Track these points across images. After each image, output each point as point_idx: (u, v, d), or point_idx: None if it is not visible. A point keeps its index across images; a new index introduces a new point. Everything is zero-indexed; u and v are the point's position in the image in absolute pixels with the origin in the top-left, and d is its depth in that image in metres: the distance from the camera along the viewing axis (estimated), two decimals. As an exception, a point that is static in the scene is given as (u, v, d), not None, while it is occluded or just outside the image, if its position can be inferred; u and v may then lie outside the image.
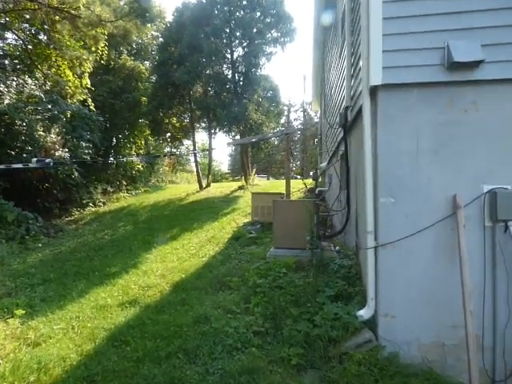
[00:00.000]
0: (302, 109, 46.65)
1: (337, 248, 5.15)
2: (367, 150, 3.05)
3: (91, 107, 12.11)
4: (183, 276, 5.06)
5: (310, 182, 16.71)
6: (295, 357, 2.85)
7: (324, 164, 9.56)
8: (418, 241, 2.85)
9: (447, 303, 2.81)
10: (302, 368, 2.79)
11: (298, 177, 39.87)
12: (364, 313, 3.03)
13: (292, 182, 18.66)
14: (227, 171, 52.93)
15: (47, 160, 6.48)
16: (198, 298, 4.13)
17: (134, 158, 15.80)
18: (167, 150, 25.61)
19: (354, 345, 2.87)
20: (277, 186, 14.71)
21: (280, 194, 8.08)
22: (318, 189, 9.31)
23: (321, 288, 3.68)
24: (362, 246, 3.80)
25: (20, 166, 6.90)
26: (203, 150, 19.01)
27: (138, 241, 7.86)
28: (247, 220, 8.82)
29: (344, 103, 4.94)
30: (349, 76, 4.33)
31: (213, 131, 15.37)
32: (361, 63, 3.59)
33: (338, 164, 6.25)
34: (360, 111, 3.80)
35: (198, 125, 17.51)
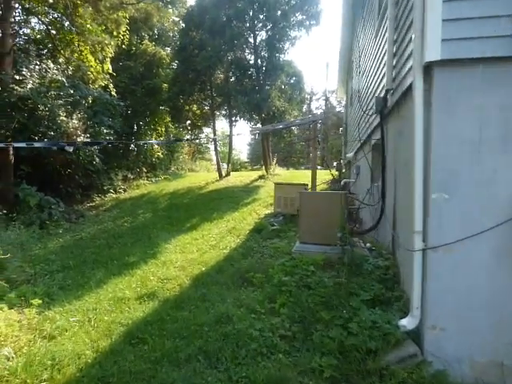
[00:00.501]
0: (324, 97, 45.54)
1: (367, 245, 4.76)
2: (417, 137, 2.63)
3: (112, 93, 12.00)
4: (203, 269, 4.84)
5: (333, 172, 16.18)
6: (328, 368, 2.54)
7: (351, 154, 9.07)
8: (477, 244, 2.45)
9: (509, 317, 2.42)
10: (336, 382, 2.48)
11: (319, 167, 39.23)
12: (407, 322, 2.68)
13: (307, 172, 18.18)
14: (246, 160, 52.69)
15: (68, 146, 6.35)
16: (219, 294, 3.88)
17: (155, 142, 15.68)
18: (187, 137, 25.54)
19: (396, 359, 2.53)
20: (298, 176, 14.28)
21: (304, 184, 7.69)
22: (343, 180, 8.86)
23: (354, 290, 3.34)
24: (402, 245, 3.42)
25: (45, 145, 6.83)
26: (228, 136, 18.71)
27: (157, 229, 7.72)
28: (269, 211, 8.51)
29: (382, 86, 4.47)
30: (391, 54, 3.86)
31: (233, 119, 15.00)
32: (409, 37, 3.15)
33: (369, 154, 5.80)
34: (404, 94, 3.37)
35: (218, 112, 17.18)
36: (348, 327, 2.83)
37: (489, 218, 2.44)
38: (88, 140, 11.31)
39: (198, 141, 21.36)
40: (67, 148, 6.31)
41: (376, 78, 4.95)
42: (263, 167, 14.96)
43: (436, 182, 2.55)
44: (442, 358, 2.51)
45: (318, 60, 74.70)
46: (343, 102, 13.56)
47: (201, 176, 18.40)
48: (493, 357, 2.45)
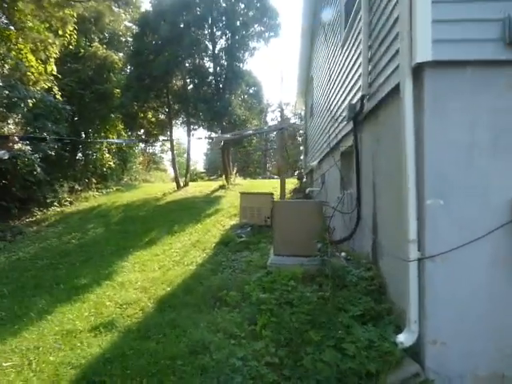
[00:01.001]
0: (279, 109, 46.66)
1: (342, 254, 4.62)
2: (408, 141, 2.50)
3: (57, 96, 10.90)
4: (169, 289, 4.32)
5: (294, 181, 16.30)
6: (327, 400, 2.25)
7: (314, 163, 9.09)
8: (474, 251, 2.35)
9: (508, 327, 2.34)
10: (338, 415, 2.19)
11: (275, 177, 39.74)
12: (404, 338, 2.48)
13: (272, 182, 18.16)
14: (202, 170, 51.82)
15: (1, 152, 5.48)
16: (191, 318, 3.43)
17: (114, 141, 14.47)
18: (141, 146, 24.31)
19: (398, 381, 2.31)
20: (259, 185, 14.15)
21: (270, 194, 7.49)
22: (308, 189, 8.82)
23: (342, 305, 3.10)
24: (387, 254, 3.29)
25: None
26: (184, 146, 17.99)
27: (111, 245, 6.95)
28: (234, 222, 8.14)
29: (354, 93, 4.43)
30: (366, 60, 3.80)
31: (192, 127, 14.50)
32: (389, 41, 3.08)
33: (338, 162, 5.75)
34: (384, 100, 3.29)
35: (175, 121, 16.54)
36: (342, 348, 2.56)
37: (483, 224, 2.35)
38: (28, 147, 10.07)
39: (155, 146, 20.31)
40: (0, 155, 5.44)
41: (346, 85, 4.92)
42: (223, 177, 14.59)
43: (430, 188, 2.42)
44: (443, 375, 2.35)
45: (273, 73, 76.81)
46: (301, 113, 13.73)
47: (157, 187, 17.46)
48: (495, 369, 2.34)
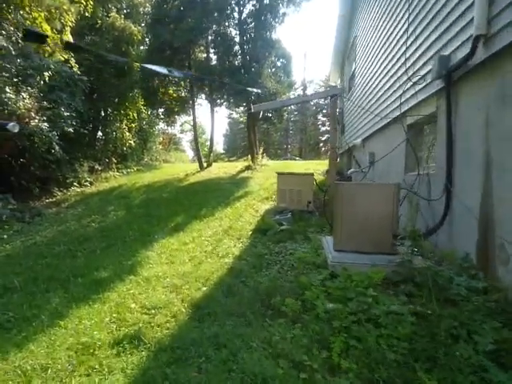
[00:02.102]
0: (302, 87, 44.70)
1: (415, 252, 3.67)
2: None
3: (74, 69, 10.13)
4: (204, 289, 3.53)
5: (323, 163, 15.19)
6: None
7: (357, 141, 7.99)
8: None
9: None
10: None
11: (297, 158, 38.50)
12: None
13: (300, 163, 17.09)
14: (222, 152, 51.05)
15: (11, 124, 4.77)
16: (239, 334, 2.62)
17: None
18: (161, 126, 23.63)
19: None
20: (289, 166, 13.17)
21: (311, 174, 6.52)
22: (350, 170, 7.78)
23: (456, 331, 2.21)
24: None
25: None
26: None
27: (133, 231, 6.26)
28: (268, 206, 7.28)
29: (451, 40, 3.34)
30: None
31: (219, 101, 13.48)
32: None
33: (403, 137, 4.70)
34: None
35: (197, 97, 15.56)
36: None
37: None
38: (45, 124, 9.45)
39: (175, 126, 19.49)
40: (10, 127, 4.71)
41: (431, 31, 3.80)
42: (249, 157, 13.67)
43: None
44: None
45: (297, 49, 73.91)
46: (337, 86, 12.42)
47: (178, 167, 16.80)
48: None
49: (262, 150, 14.08)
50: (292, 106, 42.12)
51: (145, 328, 2.83)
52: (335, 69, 12.13)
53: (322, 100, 48.12)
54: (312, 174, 6.40)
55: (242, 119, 43.29)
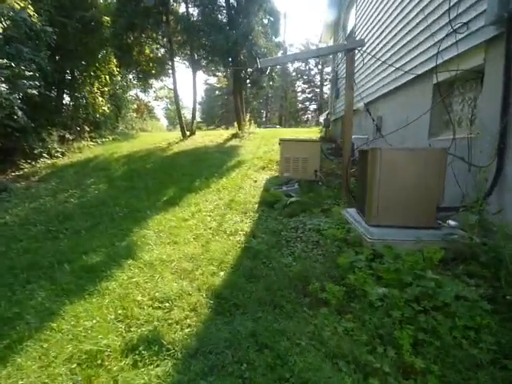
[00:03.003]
0: (282, 51, 42.82)
1: (452, 223, 3.32)
2: None
3: (33, 19, 8.67)
4: (222, 274, 3.03)
5: (314, 130, 14.65)
6: None
7: (360, 105, 7.45)
8: None
9: None
10: None
11: (277, 126, 37.67)
12: None
13: (289, 131, 16.44)
14: (199, 120, 49.05)
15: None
16: (281, 331, 2.18)
17: None
18: (134, 92, 21.92)
19: None
20: (279, 134, 12.52)
21: (317, 141, 6.00)
22: (353, 137, 7.28)
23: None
24: None
25: None
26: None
27: (120, 206, 5.57)
28: (267, 176, 6.76)
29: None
30: None
31: (203, 63, 12.30)
32: None
33: (427, 98, 4.21)
34: None
35: (177, 58, 14.19)
36: None
37: None
38: (3, 86, 8.17)
39: (149, 92, 17.95)
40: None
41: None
42: (236, 124, 12.86)
43: None
44: None
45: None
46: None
47: (158, 136, 15.71)
48: None
49: (248, 117, 13.26)
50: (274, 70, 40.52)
51: (161, 327, 2.33)
52: (327, 29, 11.27)
53: (303, 65, 46.70)
54: (319, 141, 5.87)
55: (220, 85, 41.27)
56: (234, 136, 12.20)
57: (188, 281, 2.96)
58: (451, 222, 3.22)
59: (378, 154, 2.97)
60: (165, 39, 12.28)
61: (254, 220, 4.45)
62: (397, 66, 5.23)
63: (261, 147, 10.07)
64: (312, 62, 45.19)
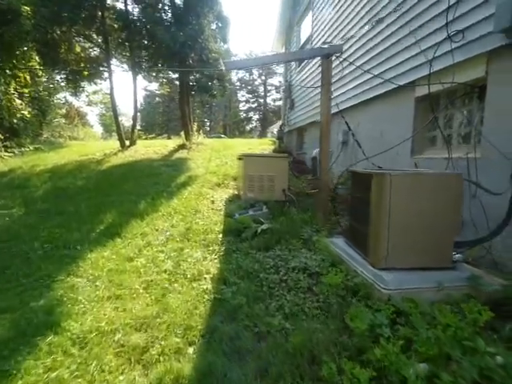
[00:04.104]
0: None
1: (458, 256, 2.89)
2: None
3: None
4: (190, 350, 2.14)
5: (266, 142, 14.20)
6: None
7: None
8: None
9: None
10: None
11: (222, 136, 37.00)
12: None
13: (243, 142, 15.76)
14: (139, 128, 46.14)
15: None
16: None
17: None
18: (63, 95, 19.49)
19: None
20: (229, 145, 11.82)
21: (285, 156, 5.37)
22: (316, 150, 6.85)
23: None
24: None
25: None
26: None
27: (40, 240, 4.30)
28: (225, 195, 5.95)
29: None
30: None
31: (144, 66, 11.02)
32: None
33: (408, 111, 3.87)
34: None
35: (115, 60, 12.68)
36: None
37: None
38: None
39: (80, 97, 15.89)
40: None
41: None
42: (182, 134, 11.81)
43: None
44: None
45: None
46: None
47: (92, 145, 13.90)
48: None
49: (195, 126, 12.31)
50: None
51: None
52: (279, 37, 10.97)
53: (247, 75, 46.90)
54: (286, 156, 5.26)
55: (161, 91, 39.36)
56: (181, 147, 11.17)
57: (141, 370, 2.02)
58: (456, 256, 2.77)
59: (387, 181, 2.39)
60: (100, 37, 10.82)
61: (220, 256, 3.61)
62: (375, 74, 4.89)
63: (212, 160, 9.23)
64: (255, 72, 45.72)
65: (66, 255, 3.82)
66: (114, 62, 12.76)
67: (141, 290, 2.97)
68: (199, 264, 3.42)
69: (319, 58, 4.27)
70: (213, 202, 5.63)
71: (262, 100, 47.63)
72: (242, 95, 47.98)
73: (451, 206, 2.43)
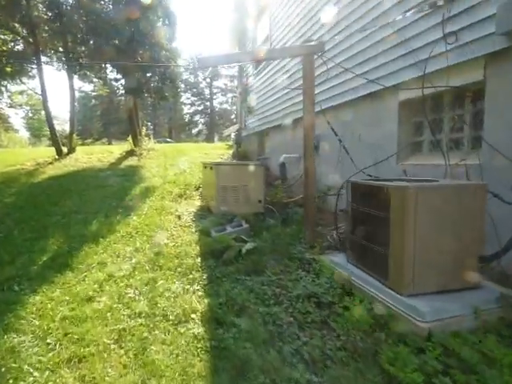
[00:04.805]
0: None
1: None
2: None
3: None
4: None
5: (220, 146, 13.61)
6: None
7: (288, 121, 6.83)
8: None
9: None
10: None
11: (169, 140, 35.39)
12: None
13: (193, 146, 14.94)
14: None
15: None
16: None
17: None
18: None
19: None
20: (182, 150, 11.09)
21: (259, 163, 4.94)
22: (283, 156, 6.53)
23: None
24: None
25: None
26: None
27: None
28: (192, 208, 5.34)
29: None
30: None
31: (84, 64, 9.69)
32: None
33: (393, 114, 3.74)
34: None
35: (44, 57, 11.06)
36: None
37: None
38: None
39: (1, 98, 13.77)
40: None
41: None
42: (130, 139, 10.76)
43: None
44: None
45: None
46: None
47: (19, 153, 12.07)
48: None
49: (144, 131, 11.30)
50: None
51: None
52: (233, 37, 10.55)
53: (192, 77, 45.56)
54: (260, 163, 4.83)
55: (98, 92, 36.34)
56: (130, 153, 10.14)
57: None
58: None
59: (411, 196, 2.10)
60: (25, 29, 9.31)
61: (203, 286, 3.05)
62: (342, 79, 4.69)
63: (168, 168, 8.46)
64: (201, 74, 44.69)
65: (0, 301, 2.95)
66: (44, 59, 11.18)
67: (112, 345, 2.31)
68: (181, 299, 2.83)
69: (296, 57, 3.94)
70: (179, 217, 4.99)
71: (208, 103, 46.71)
72: (187, 98, 46.54)
73: (475, 220, 2.23)
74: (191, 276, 3.24)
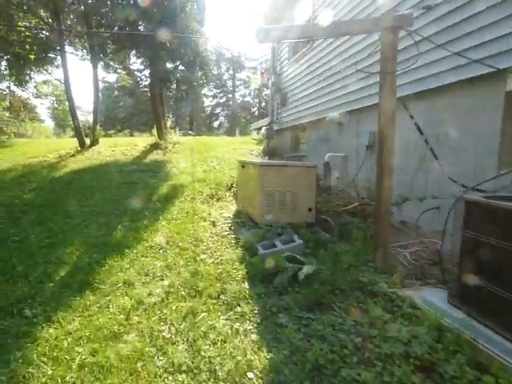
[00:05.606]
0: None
1: None
2: None
3: None
4: None
5: (247, 140, 12.93)
6: None
7: (335, 114, 6.04)
8: None
9: None
10: None
11: (190, 132, 35.00)
12: None
13: (218, 140, 14.34)
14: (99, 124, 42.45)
15: None
16: None
17: None
18: (5, 85, 16.73)
19: None
20: (209, 144, 10.47)
21: (313, 164, 4.19)
22: (328, 154, 5.74)
23: None
24: None
25: None
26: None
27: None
28: (226, 213, 4.72)
29: None
30: None
31: (110, 51, 9.21)
32: None
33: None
34: None
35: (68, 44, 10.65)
36: None
37: None
38: None
39: (27, 88, 13.59)
40: None
41: None
42: (155, 132, 10.24)
43: None
44: None
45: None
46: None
47: (43, 144, 11.83)
48: None
49: (169, 123, 10.75)
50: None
51: None
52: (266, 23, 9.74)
53: (214, 69, 44.82)
54: (313, 165, 4.09)
55: (122, 83, 36.30)
56: (155, 147, 9.61)
57: None
58: None
59: None
60: (48, 13, 8.86)
61: (257, 325, 2.38)
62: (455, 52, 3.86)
63: (196, 164, 7.86)
64: (224, 66, 43.92)
65: (4, 332, 2.39)
66: (68, 48, 10.78)
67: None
68: (230, 346, 2.18)
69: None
70: (214, 223, 4.35)
71: (230, 95, 45.97)
72: (210, 89, 45.91)
73: None
74: (239, 309, 2.57)
